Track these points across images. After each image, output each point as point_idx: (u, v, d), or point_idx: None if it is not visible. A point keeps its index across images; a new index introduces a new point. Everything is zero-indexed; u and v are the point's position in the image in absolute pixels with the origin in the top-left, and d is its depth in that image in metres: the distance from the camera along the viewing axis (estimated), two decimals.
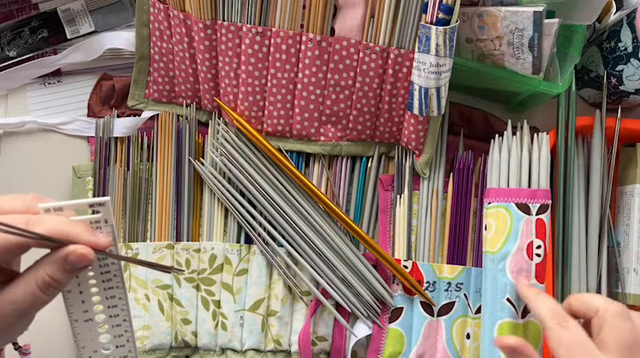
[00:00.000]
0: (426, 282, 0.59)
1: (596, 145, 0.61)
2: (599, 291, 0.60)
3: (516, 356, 0.45)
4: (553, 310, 0.43)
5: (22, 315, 0.35)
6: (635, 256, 0.60)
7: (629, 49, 0.58)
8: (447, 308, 0.59)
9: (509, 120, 0.59)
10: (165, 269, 0.39)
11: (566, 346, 0.39)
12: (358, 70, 0.56)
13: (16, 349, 0.42)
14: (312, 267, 0.58)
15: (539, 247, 0.54)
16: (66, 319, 0.39)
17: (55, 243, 0.34)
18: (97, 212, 0.36)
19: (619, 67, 0.60)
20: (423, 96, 0.54)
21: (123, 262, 0.40)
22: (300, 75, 0.57)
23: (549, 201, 0.56)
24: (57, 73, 0.64)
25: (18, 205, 0.35)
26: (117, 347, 0.40)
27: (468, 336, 0.59)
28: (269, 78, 0.57)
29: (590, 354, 0.38)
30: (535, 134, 0.57)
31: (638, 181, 0.61)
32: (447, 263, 0.60)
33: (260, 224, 0.59)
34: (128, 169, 0.60)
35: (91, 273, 0.38)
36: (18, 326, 0.37)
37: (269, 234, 0.59)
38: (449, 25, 0.50)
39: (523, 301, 0.54)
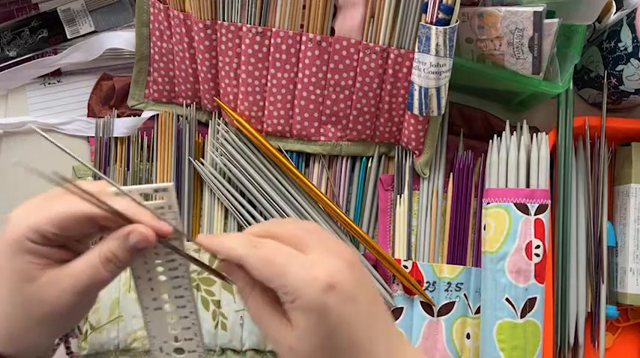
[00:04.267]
0: (426, 282, 0.59)
1: (595, 145, 0.61)
2: (598, 291, 0.60)
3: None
4: (242, 239, 0.37)
5: (80, 292, 0.35)
6: (631, 256, 0.60)
7: (629, 49, 0.58)
8: (447, 308, 0.59)
9: (507, 121, 0.59)
10: (221, 276, 0.40)
11: (267, 260, 0.35)
12: (358, 70, 0.56)
13: (68, 354, 0.42)
14: None
15: (538, 247, 0.54)
16: None
17: (122, 220, 0.35)
18: (161, 198, 0.36)
19: (619, 67, 0.60)
20: (423, 96, 0.54)
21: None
22: (300, 75, 0.57)
23: (548, 201, 0.56)
24: (57, 73, 0.64)
25: (92, 188, 0.35)
26: (185, 339, 0.40)
27: (468, 336, 0.59)
28: (269, 78, 0.57)
29: (294, 256, 0.35)
30: (534, 134, 0.57)
31: (633, 181, 0.61)
32: (447, 263, 0.60)
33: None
34: (128, 169, 0.60)
35: (158, 261, 0.38)
36: (75, 308, 0.36)
37: None
38: (449, 25, 0.50)
39: (521, 301, 0.54)
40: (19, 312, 0.35)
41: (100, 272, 0.35)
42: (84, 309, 0.38)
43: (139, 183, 0.60)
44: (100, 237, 0.37)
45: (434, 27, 0.50)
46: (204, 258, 0.55)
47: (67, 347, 0.42)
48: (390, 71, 0.56)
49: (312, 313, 0.33)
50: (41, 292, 0.35)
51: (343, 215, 0.58)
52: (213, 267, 0.39)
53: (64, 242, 0.36)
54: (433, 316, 0.59)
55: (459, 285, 0.59)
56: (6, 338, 0.36)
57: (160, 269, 0.39)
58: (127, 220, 0.35)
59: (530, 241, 0.54)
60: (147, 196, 0.37)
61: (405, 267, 0.59)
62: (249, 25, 0.55)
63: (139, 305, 0.40)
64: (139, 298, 0.39)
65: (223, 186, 0.59)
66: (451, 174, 0.61)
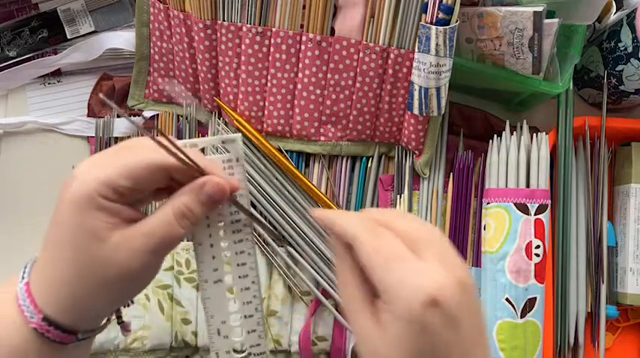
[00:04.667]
0: None
1: (595, 145, 0.61)
2: (598, 291, 0.60)
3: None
4: (360, 221, 0.35)
5: (154, 250, 0.33)
6: (631, 256, 0.60)
7: (629, 49, 0.58)
8: None
9: (507, 121, 0.59)
10: (279, 239, 0.38)
11: (379, 251, 0.32)
12: (358, 70, 0.56)
13: (119, 323, 0.40)
14: (312, 267, 0.58)
15: (538, 247, 0.54)
16: None
17: (196, 170, 0.33)
18: (228, 151, 0.35)
19: (619, 67, 0.60)
20: (423, 96, 0.54)
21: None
22: (300, 75, 0.57)
23: (548, 201, 0.56)
24: (57, 73, 0.64)
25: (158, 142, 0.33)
26: (245, 317, 0.37)
27: None
28: (269, 78, 0.57)
29: (406, 257, 0.31)
30: (534, 134, 0.57)
31: (633, 181, 0.61)
32: None
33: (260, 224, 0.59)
34: None
35: (221, 223, 0.36)
36: (147, 269, 0.34)
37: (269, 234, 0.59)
38: (449, 25, 0.50)
39: (521, 301, 0.54)
40: (85, 275, 0.33)
41: (175, 228, 0.33)
42: (153, 272, 0.35)
43: None
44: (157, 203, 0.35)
45: (434, 27, 0.50)
46: None
47: (119, 316, 0.39)
48: (390, 71, 0.56)
49: (404, 323, 0.30)
50: (113, 252, 0.32)
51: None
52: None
53: (135, 198, 0.33)
54: None
55: None
56: (67, 304, 0.33)
57: (222, 233, 0.36)
58: (201, 172, 0.33)
59: (530, 241, 0.54)
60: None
61: None
62: (249, 25, 0.55)
63: (198, 278, 0.37)
64: (198, 269, 0.36)
65: None
66: (451, 174, 0.61)
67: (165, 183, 0.34)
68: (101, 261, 0.32)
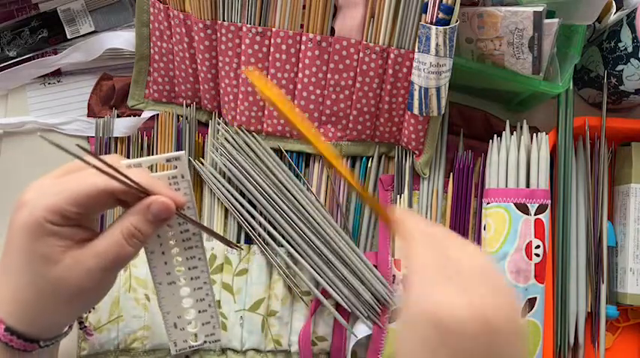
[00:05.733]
0: None
1: (595, 145, 0.61)
2: (598, 291, 0.60)
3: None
4: (420, 223, 0.37)
5: (105, 269, 0.35)
6: (631, 256, 0.60)
7: (629, 49, 0.58)
8: None
9: (507, 121, 0.59)
10: (230, 243, 0.41)
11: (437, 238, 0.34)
12: (358, 70, 0.56)
13: (81, 328, 0.42)
14: (312, 267, 0.58)
15: (538, 247, 0.54)
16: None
17: (139, 191, 0.34)
18: (175, 167, 0.37)
19: (619, 67, 0.60)
20: (423, 96, 0.54)
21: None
22: (300, 75, 0.57)
23: (548, 201, 0.56)
24: (57, 73, 0.64)
25: (107, 160, 0.35)
26: (199, 312, 0.40)
27: None
28: (269, 78, 0.58)
29: (442, 257, 0.33)
30: (534, 134, 0.57)
31: (633, 181, 0.61)
32: None
33: (260, 224, 0.59)
34: None
35: (171, 233, 0.38)
36: (100, 286, 0.36)
37: (269, 234, 0.59)
38: (449, 25, 0.50)
39: (521, 301, 0.54)
40: (42, 295, 0.35)
41: (125, 248, 0.35)
42: (108, 286, 0.37)
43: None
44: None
45: (434, 27, 0.50)
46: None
47: (80, 322, 0.42)
48: (390, 71, 0.56)
49: (401, 321, 0.32)
50: (67, 274, 0.34)
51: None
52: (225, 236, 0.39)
53: (82, 220, 0.35)
54: None
55: None
56: (28, 318, 0.36)
57: (173, 241, 0.38)
58: (145, 192, 0.34)
59: (530, 241, 0.54)
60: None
61: (405, 267, 0.59)
62: (249, 25, 0.55)
63: (153, 281, 0.39)
64: (152, 274, 0.39)
65: (223, 186, 0.59)
66: (451, 174, 0.61)
67: (113, 204, 0.36)
68: (56, 282, 0.34)
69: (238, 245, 0.45)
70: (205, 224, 0.60)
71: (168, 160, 0.37)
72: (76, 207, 0.34)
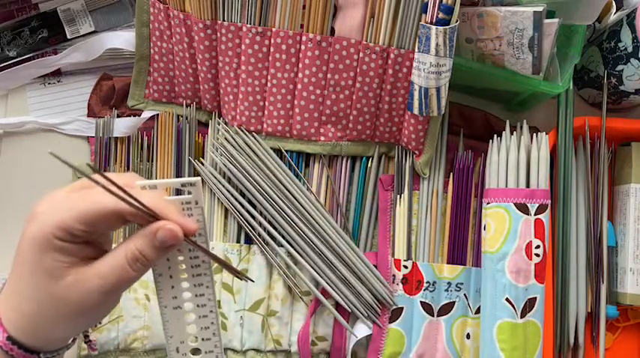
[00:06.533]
0: (426, 282, 0.59)
1: (595, 145, 0.61)
2: (598, 291, 0.60)
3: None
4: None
5: (107, 292, 0.35)
6: (631, 256, 0.60)
7: (629, 49, 0.58)
8: (447, 308, 0.59)
9: (507, 121, 0.59)
10: (239, 275, 0.40)
11: None
12: (358, 70, 0.56)
13: (86, 342, 0.42)
14: (312, 267, 0.58)
15: (538, 247, 0.54)
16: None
17: (148, 215, 0.34)
18: (189, 193, 0.36)
19: (619, 67, 0.60)
20: (423, 96, 0.54)
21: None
22: (300, 75, 0.57)
23: (548, 201, 0.56)
24: (57, 73, 0.64)
25: (118, 181, 0.34)
26: (203, 339, 0.40)
27: (468, 336, 0.59)
28: (269, 78, 0.58)
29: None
30: (534, 134, 0.57)
31: (632, 181, 0.61)
32: (447, 263, 0.60)
33: (260, 224, 0.59)
34: (128, 169, 0.60)
35: (180, 258, 0.38)
36: (102, 306, 0.36)
37: (269, 234, 0.59)
38: (449, 25, 0.50)
39: (521, 301, 0.54)
40: (45, 309, 0.35)
41: (128, 272, 0.35)
42: (110, 307, 0.37)
43: None
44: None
45: (434, 27, 0.50)
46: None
47: (86, 335, 0.42)
48: (390, 71, 0.56)
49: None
50: (68, 291, 0.35)
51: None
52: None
53: (89, 238, 0.35)
54: (433, 316, 0.59)
55: (458, 285, 0.59)
56: (30, 329, 0.36)
57: (182, 266, 0.38)
58: (154, 216, 0.34)
59: (530, 241, 0.54)
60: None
61: (405, 267, 0.59)
62: (249, 25, 0.55)
63: (158, 303, 0.39)
64: (158, 296, 0.39)
65: (223, 186, 0.59)
66: (451, 174, 0.61)
67: (122, 224, 0.35)
68: (58, 298, 0.35)
69: (247, 276, 0.44)
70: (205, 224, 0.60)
71: (183, 185, 0.36)
72: (84, 226, 0.34)
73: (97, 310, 0.36)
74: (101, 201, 0.34)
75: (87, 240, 0.35)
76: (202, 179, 0.60)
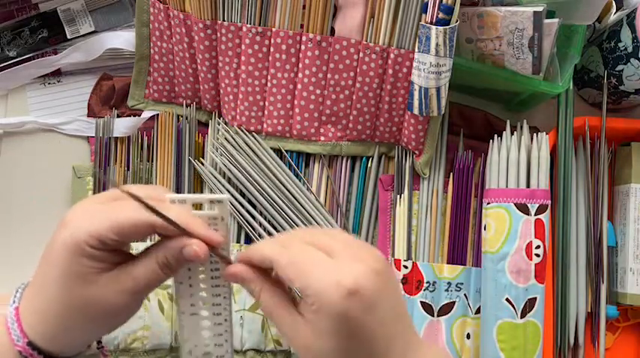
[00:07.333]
0: (426, 282, 0.59)
1: (595, 145, 0.61)
2: (598, 291, 0.60)
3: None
4: (271, 241, 0.39)
5: (139, 292, 0.37)
6: (631, 256, 0.60)
7: (629, 49, 0.58)
8: (447, 308, 0.59)
9: (508, 121, 0.59)
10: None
11: (293, 260, 0.36)
12: (358, 70, 0.56)
13: (99, 348, 0.44)
14: None
15: (538, 247, 0.54)
16: None
17: (178, 230, 0.36)
18: (216, 209, 0.38)
19: (619, 67, 0.60)
20: (423, 96, 0.54)
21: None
22: (300, 75, 0.57)
23: (548, 202, 0.56)
24: (57, 73, 0.64)
25: (149, 193, 0.37)
26: (215, 345, 0.42)
27: (468, 336, 0.59)
28: (269, 78, 0.58)
29: (320, 259, 0.35)
30: (534, 134, 0.57)
31: (632, 181, 0.61)
32: (447, 263, 0.60)
33: (260, 224, 0.59)
34: (128, 169, 0.60)
35: (201, 268, 0.40)
36: (129, 307, 0.38)
37: (269, 234, 0.59)
38: (449, 25, 0.50)
39: (521, 301, 0.54)
40: (71, 312, 0.37)
41: (159, 275, 0.37)
42: (134, 309, 0.39)
43: (140, 184, 0.60)
44: None
45: (434, 27, 0.50)
46: None
47: (99, 341, 0.44)
48: (390, 71, 0.56)
49: (331, 317, 0.34)
50: (100, 293, 0.36)
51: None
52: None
53: (119, 246, 0.37)
54: (433, 316, 0.59)
55: (459, 285, 0.59)
56: (52, 333, 0.37)
57: (202, 276, 0.40)
58: (183, 230, 0.36)
59: (531, 241, 0.54)
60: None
61: (405, 267, 0.59)
62: (249, 25, 0.55)
63: (176, 308, 0.41)
64: (176, 302, 0.41)
65: (223, 186, 0.59)
66: (451, 174, 0.61)
67: (151, 234, 0.37)
68: (88, 300, 0.36)
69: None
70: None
71: (211, 201, 0.38)
72: (117, 236, 0.35)
73: (125, 311, 0.38)
74: (135, 212, 0.35)
75: (116, 248, 0.37)
76: (202, 179, 0.60)
